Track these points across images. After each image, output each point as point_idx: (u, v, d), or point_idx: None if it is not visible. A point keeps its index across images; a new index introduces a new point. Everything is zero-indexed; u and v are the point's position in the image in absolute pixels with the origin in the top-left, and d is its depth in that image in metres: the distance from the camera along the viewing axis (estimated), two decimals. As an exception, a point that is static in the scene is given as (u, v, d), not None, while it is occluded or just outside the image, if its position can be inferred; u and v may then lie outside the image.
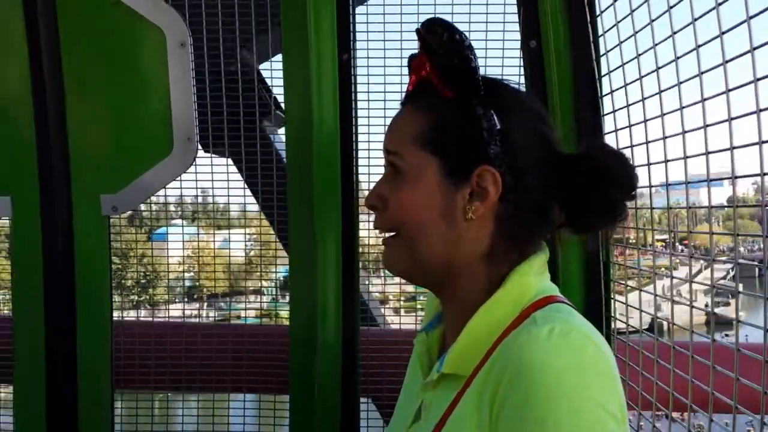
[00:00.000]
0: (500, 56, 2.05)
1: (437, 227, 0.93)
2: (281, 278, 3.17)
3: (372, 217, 1.01)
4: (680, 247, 1.75)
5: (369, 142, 2.09)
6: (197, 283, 3.23)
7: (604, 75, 1.78)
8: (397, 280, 2.52)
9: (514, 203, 0.93)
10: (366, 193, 2.13)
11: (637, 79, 1.57)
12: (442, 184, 0.93)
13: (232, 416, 2.38)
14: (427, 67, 0.94)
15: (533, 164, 0.94)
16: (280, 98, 2.14)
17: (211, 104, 2.16)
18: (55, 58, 1.99)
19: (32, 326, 2.01)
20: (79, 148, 2.02)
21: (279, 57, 2.11)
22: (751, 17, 1.15)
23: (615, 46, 1.67)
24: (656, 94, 1.50)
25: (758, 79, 1.13)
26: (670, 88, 1.44)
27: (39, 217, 2.00)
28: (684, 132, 1.39)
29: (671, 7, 1.41)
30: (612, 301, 1.85)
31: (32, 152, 1.99)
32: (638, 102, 1.58)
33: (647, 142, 1.57)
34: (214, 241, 2.86)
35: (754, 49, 1.14)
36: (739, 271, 1.35)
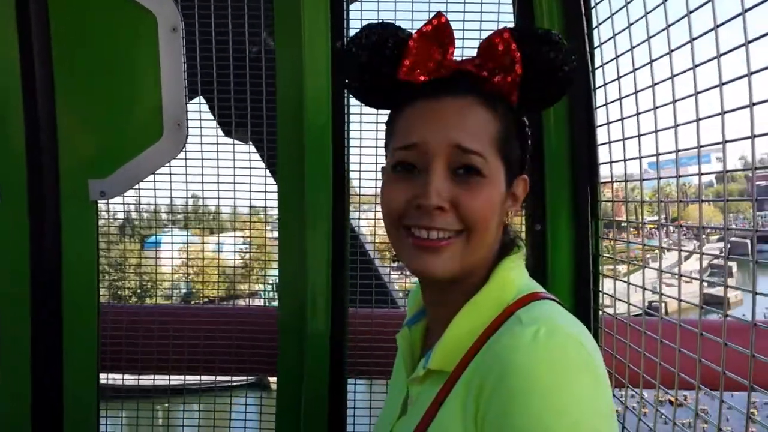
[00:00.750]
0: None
1: (495, 230, 0.96)
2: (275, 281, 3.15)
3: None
4: (672, 229, 1.76)
5: (361, 130, 2.08)
6: (192, 290, 3.22)
7: (598, 67, 1.78)
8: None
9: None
10: (354, 176, 2.14)
11: (630, 72, 1.57)
12: (504, 190, 0.95)
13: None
14: (518, 69, 0.92)
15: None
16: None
17: (234, 90, 2.13)
18: (45, 42, 1.96)
19: (18, 310, 1.99)
20: (68, 133, 2.00)
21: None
22: (746, 10, 1.15)
23: (609, 39, 1.67)
24: (649, 87, 1.49)
25: (752, 73, 1.13)
26: (663, 81, 1.44)
27: (26, 202, 1.98)
28: (676, 125, 1.39)
29: (665, 0, 1.40)
30: (601, 294, 1.85)
31: (20, 137, 1.97)
32: (631, 95, 1.58)
33: (639, 135, 1.57)
34: (203, 243, 2.84)
35: (749, 42, 1.13)
36: (732, 249, 1.35)
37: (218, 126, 2.25)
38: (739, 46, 1.16)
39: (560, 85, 0.96)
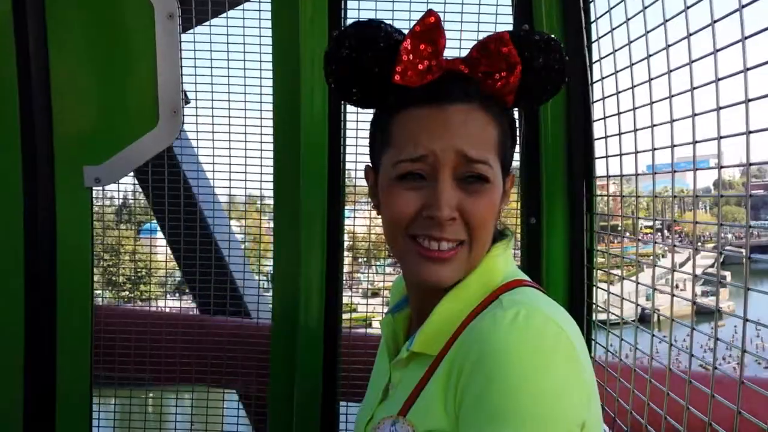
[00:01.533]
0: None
1: (492, 229, 0.96)
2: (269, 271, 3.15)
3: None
4: (667, 234, 1.76)
5: (357, 121, 2.07)
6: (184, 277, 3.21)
7: (595, 62, 1.78)
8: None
9: None
10: (352, 174, 2.14)
11: (627, 67, 1.56)
12: (502, 190, 0.96)
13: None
14: (517, 73, 0.91)
15: None
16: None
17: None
18: (41, 29, 1.95)
19: (11, 298, 1.98)
20: (63, 119, 1.99)
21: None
22: (743, 6, 1.15)
23: (606, 33, 1.67)
24: (646, 81, 1.49)
25: (748, 69, 1.13)
26: (660, 76, 1.44)
27: (21, 188, 1.97)
28: (672, 120, 1.39)
29: (664, -5, 1.40)
30: (594, 288, 1.86)
31: (15, 123, 1.96)
32: (628, 89, 1.58)
33: (635, 130, 1.57)
34: (198, 233, 2.83)
35: (745, 38, 1.13)
36: (726, 259, 1.35)
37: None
38: (737, 42, 1.16)
39: (556, 86, 0.97)
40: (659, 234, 1.62)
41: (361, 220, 2.61)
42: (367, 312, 2.44)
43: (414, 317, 1.05)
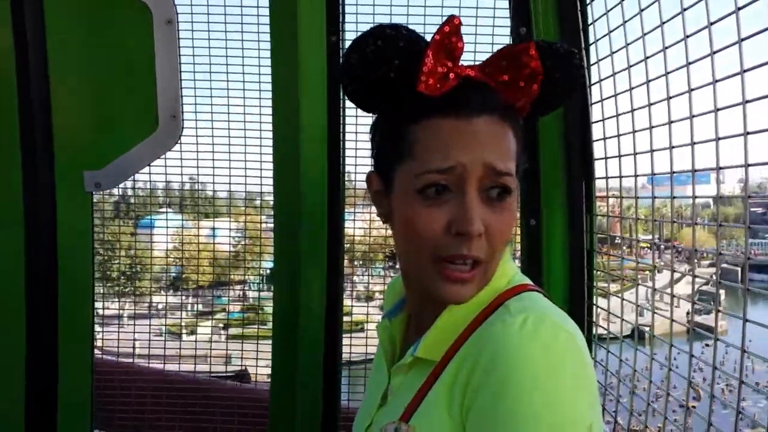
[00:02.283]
0: (490, 42, 2.04)
1: None
2: (267, 270, 3.14)
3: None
4: (663, 246, 1.77)
5: (356, 125, 2.07)
6: (183, 274, 3.21)
7: (593, 64, 1.78)
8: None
9: None
10: (352, 176, 2.15)
11: (625, 69, 1.57)
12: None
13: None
14: (538, 84, 0.91)
15: None
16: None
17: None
18: (40, 34, 1.95)
19: (12, 302, 1.99)
20: (63, 124, 1.99)
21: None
22: (740, 8, 1.15)
23: (604, 35, 1.67)
24: (644, 83, 1.50)
25: (745, 71, 1.14)
26: (657, 77, 1.45)
27: (21, 193, 1.97)
28: (670, 122, 1.40)
29: (660, -3, 1.41)
30: (594, 289, 1.86)
31: (15, 127, 1.96)
32: (626, 91, 1.59)
33: (633, 132, 1.57)
34: (198, 228, 2.84)
35: (742, 40, 1.14)
36: (723, 275, 1.36)
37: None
38: (734, 44, 1.17)
39: (569, 97, 0.98)
40: (657, 249, 1.63)
41: (360, 223, 2.61)
42: (367, 315, 2.43)
43: (413, 321, 1.04)
